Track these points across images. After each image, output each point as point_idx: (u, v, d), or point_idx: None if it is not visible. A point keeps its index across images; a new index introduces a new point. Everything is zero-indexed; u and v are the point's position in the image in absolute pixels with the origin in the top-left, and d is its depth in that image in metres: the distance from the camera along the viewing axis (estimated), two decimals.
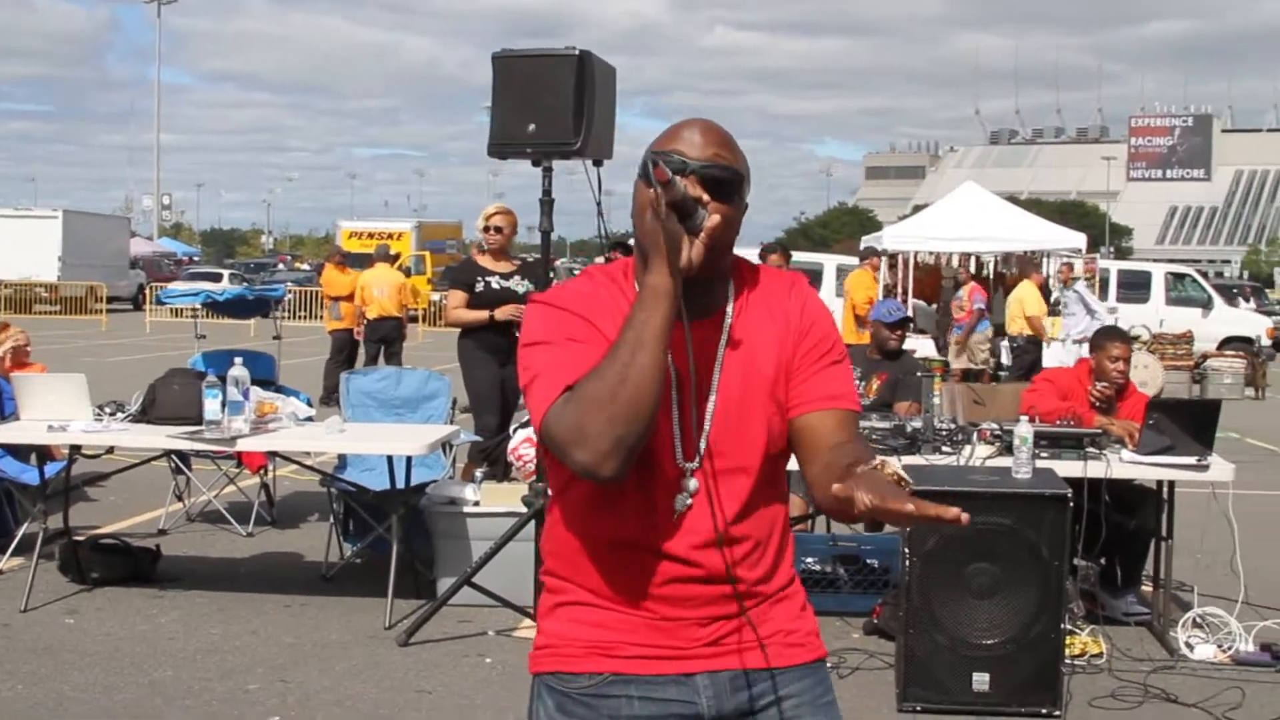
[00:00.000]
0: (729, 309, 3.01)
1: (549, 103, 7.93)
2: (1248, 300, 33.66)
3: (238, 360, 8.51)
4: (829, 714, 3.10)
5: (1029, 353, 22.52)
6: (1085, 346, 22.77)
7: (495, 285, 10.78)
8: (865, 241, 30.60)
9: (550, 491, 3.12)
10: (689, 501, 2.93)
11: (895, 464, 2.87)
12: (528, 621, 8.24)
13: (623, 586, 2.97)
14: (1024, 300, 22.61)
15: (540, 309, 2.98)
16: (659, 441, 2.90)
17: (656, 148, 2.90)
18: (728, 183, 2.90)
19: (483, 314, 10.73)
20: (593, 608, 3.00)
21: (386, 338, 20.52)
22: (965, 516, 2.48)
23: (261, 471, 11.24)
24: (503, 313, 10.68)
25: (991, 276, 29.49)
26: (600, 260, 13.94)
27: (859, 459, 2.76)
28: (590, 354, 2.80)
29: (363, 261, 22.89)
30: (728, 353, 2.98)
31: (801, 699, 3.07)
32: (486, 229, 10.89)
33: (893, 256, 27.10)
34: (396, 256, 26.48)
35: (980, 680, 6.94)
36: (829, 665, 3.30)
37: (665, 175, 2.74)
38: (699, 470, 2.95)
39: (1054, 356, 22.91)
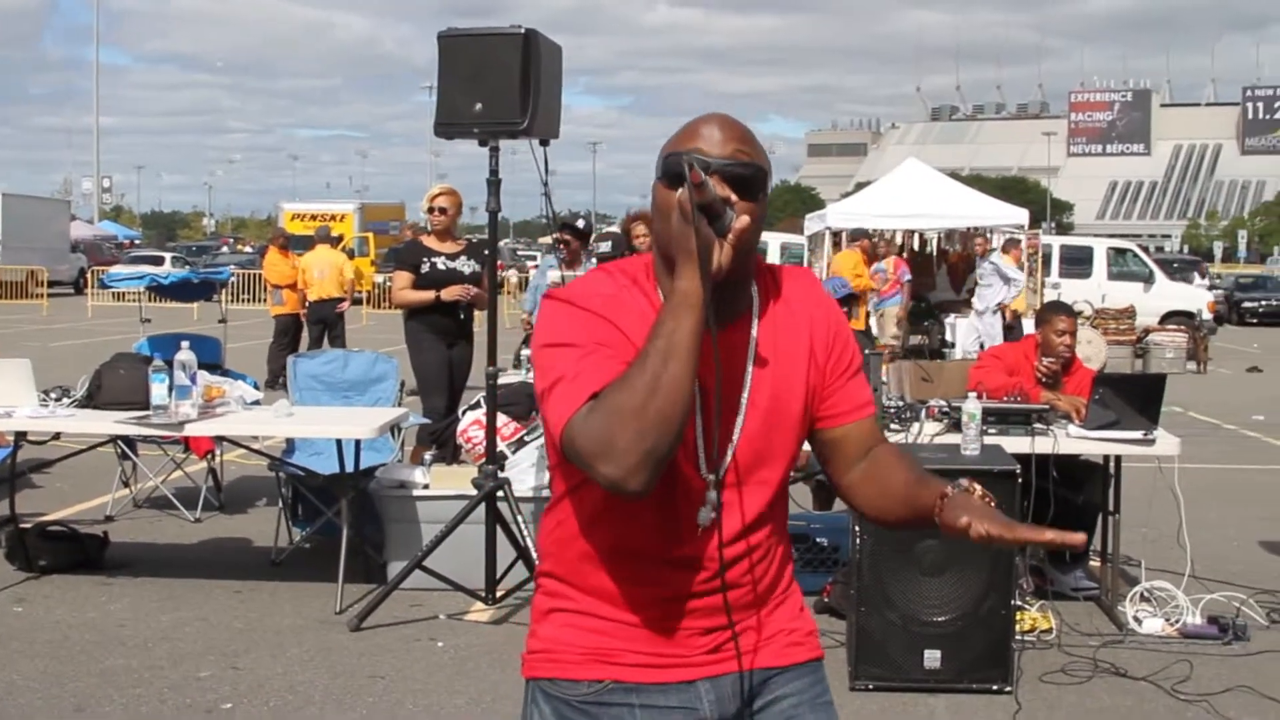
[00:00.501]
0: (754, 314, 2.94)
1: (495, 82, 7.89)
2: (1203, 277, 33.87)
3: (184, 344, 8.45)
4: (827, 713, 3.07)
5: (1015, 329, 22.70)
6: (1000, 315, 23.06)
7: (441, 266, 10.75)
8: (809, 220, 30.65)
9: (553, 490, 3.03)
10: (713, 515, 2.83)
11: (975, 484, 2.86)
12: (479, 605, 8.25)
13: (628, 595, 2.90)
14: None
15: (561, 307, 2.85)
16: (682, 451, 2.80)
17: (673, 148, 2.82)
18: (752, 179, 2.80)
19: (429, 294, 10.70)
20: (593, 617, 2.93)
21: (327, 319, 20.45)
22: (1082, 538, 2.70)
23: (209, 456, 11.16)
24: (449, 293, 10.66)
25: (935, 253, 29.57)
26: (547, 240, 13.91)
27: (916, 472, 2.98)
28: (616, 361, 2.70)
29: (306, 243, 22.77)
30: (758, 356, 2.91)
31: (800, 698, 3.05)
32: (431, 210, 10.86)
33: (836, 234, 27.13)
34: (339, 238, 26.36)
35: (931, 657, 6.97)
36: None
37: (700, 176, 2.64)
38: (724, 482, 2.88)
39: (969, 327, 23.17)
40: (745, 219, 2.71)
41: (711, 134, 2.81)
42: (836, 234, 27.07)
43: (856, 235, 24.34)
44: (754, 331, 2.91)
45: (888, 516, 3.05)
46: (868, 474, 3.02)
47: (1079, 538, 2.65)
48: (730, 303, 2.85)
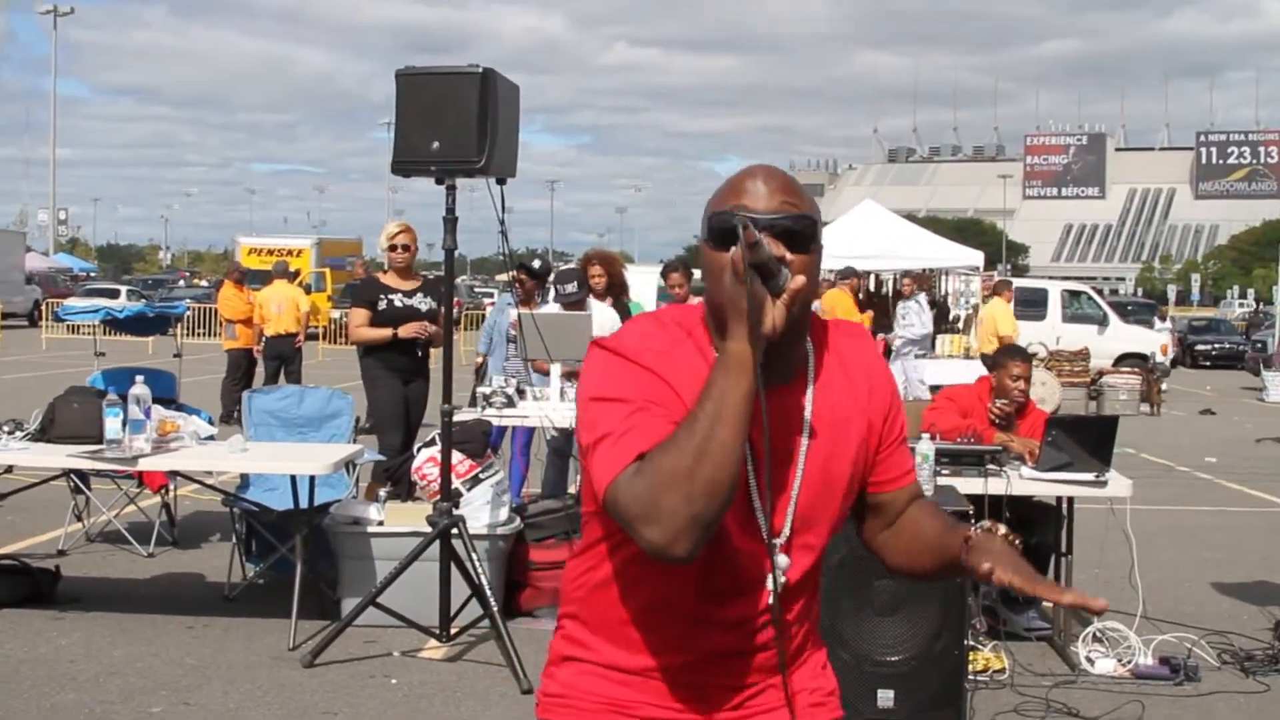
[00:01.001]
0: (810, 374, 2.86)
1: (452, 121, 7.91)
2: (1164, 320, 34.07)
3: (139, 378, 8.43)
4: None
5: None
6: (913, 353, 23.21)
7: (399, 303, 10.75)
8: None
9: (585, 535, 2.93)
10: (783, 579, 2.80)
11: (999, 525, 2.89)
12: (433, 642, 8.23)
13: (654, 651, 2.83)
14: (996, 318, 22.91)
15: (612, 359, 2.75)
16: (730, 514, 2.66)
17: (718, 205, 2.73)
18: (803, 232, 2.72)
19: (386, 332, 10.70)
20: (615, 669, 2.86)
21: (284, 355, 20.45)
22: (1105, 604, 2.70)
23: (163, 491, 11.12)
24: (406, 330, 10.66)
25: (891, 294, 29.70)
26: (503, 278, 13.92)
27: (943, 520, 2.98)
28: (666, 420, 2.61)
29: (263, 278, 22.73)
30: (813, 423, 2.82)
31: None
32: (393, 248, 10.84)
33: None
34: (296, 273, 26.32)
35: (885, 697, 6.97)
36: None
37: (754, 236, 2.52)
38: (787, 544, 2.81)
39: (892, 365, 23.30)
40: (801, 278, 2.61)
41: (756, 188, 2.73)
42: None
43: (846, 274, 24.35)
44: (810, 394, 2.83)
45: (915, 568, 3.00)
46: (900, 528, 3.01)
47: (1101, 604, 2.66)
48: (783, 362, 2.78)
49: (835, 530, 2.92)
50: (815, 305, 25.42)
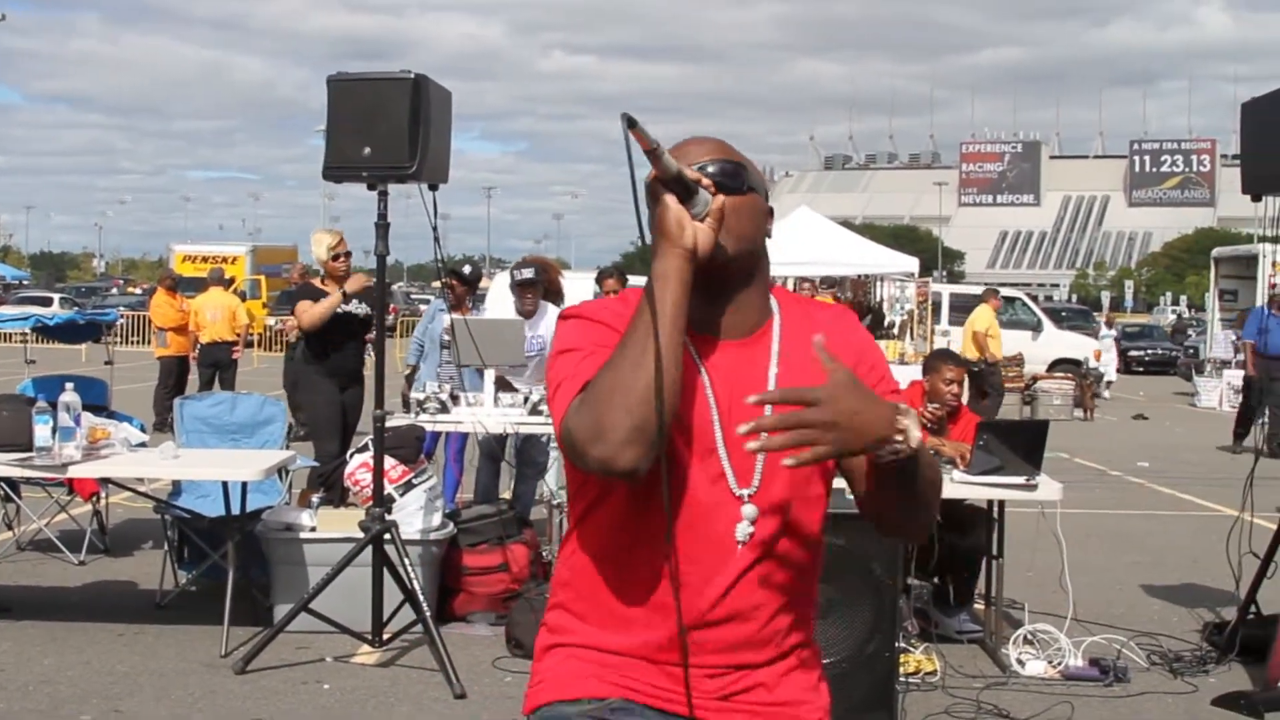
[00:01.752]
0: (775, 325, 2.87)
1: (384, 126, 7.91)
2: (1109, 327, 34.28)
3: (69, 386, 8.36)
4: None
5: (994, 374, 23.02)
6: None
7: (337, 310, 10.71)
8: None
9: (570, 518, 2.93)
10: (751, 530, 2.75)
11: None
12: (366, 647, 8.22)
13: (640, 624, 2.79)
14: (974, 321, 23.06)
15: (572, 322, 2.83)
16: (705, 466, 2.74)
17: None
18: (728, 176, 2.75)
19: (334, 297, 10.62)
20: (599, 650, 2.83)
21: (220, 362, 20.38)
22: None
23: (94, 498, 11.05)
24: (353, 284, 10.63)
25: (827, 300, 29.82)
26: (438, 285, 13.89)
27: None
28: None
29: (197, 285, 22.61)
30: (781, 373, 2.81)
31: None
32: (336, 257, 10.78)
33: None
34: (231, 281, 26.21)
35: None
36: None
37: (649, 144, 2.57)
38: (756, 498, 2.77)
39: None
40: (721, 198, 2.69)
41: (688, 150, 2.80)
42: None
43: (830, 282, 24.30)
44: (775, 351, 2.83)
45: (885, 509, 2.80)
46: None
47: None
48: (740, 312, 2.83)
49: (822, 484, 2.88)
50: (897, 317, 25.46)
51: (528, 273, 11.59)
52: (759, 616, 2.81)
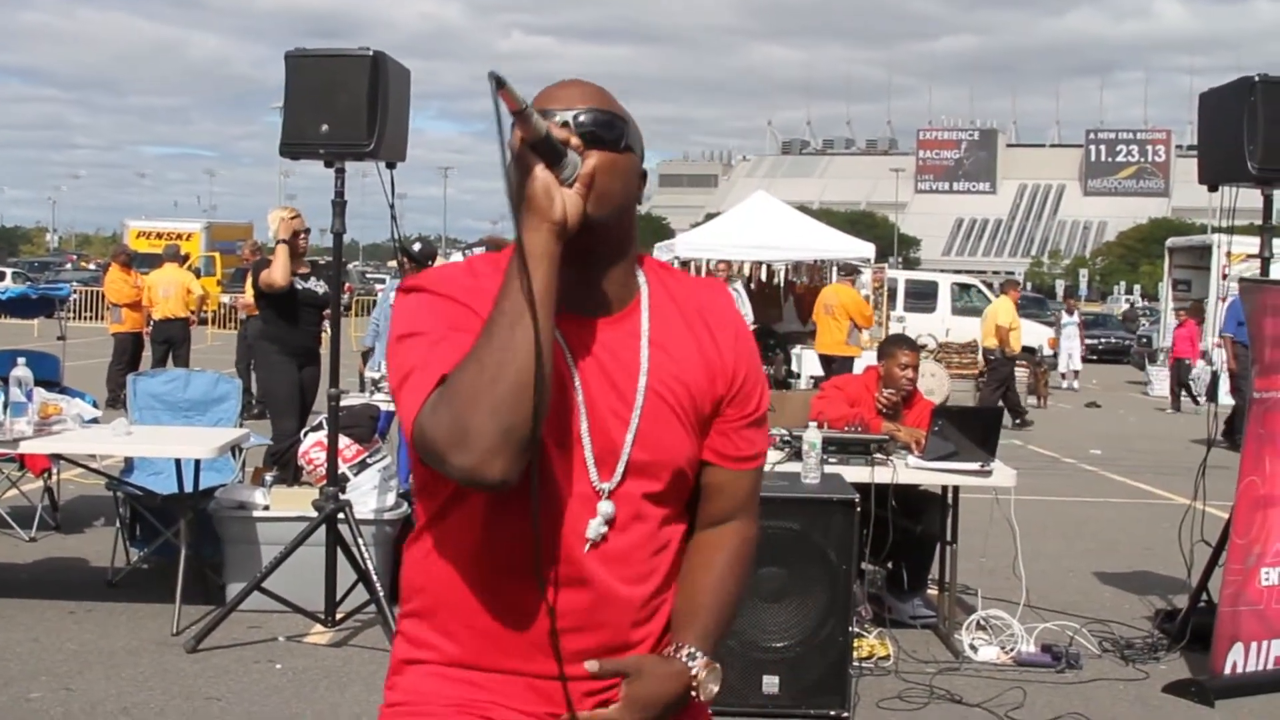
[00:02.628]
0: (644, 303, 2.65)
1: (342, 103, 7.86)
2: (1071, 314, 34.40)
3: (21, 361, 8.31)
4: None
5: (1004, 365, 23.04)
6: None
7: (296, 286, 10.65)
8: (658, 249, 30.78)
9: (417, 517, 2.71)
10: (604, 530, 2.55)
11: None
12: (319, 627, 8.19)
13: (504, 634, 2.58)
14: (997, 313, 23.02)
15: (412, 297, 2.56)
16: (566, 457, 2.53)
17: None
18: (604, 128, 2.51)
19: (281, 248, 10.47)
20: (461, 667, 2.62)
21: (172, 339, 20.27)
22: None
23: (45, 475, 10.97)
24: (284, 229, 10.52)
25: (782, 285, 29.82)
26: (392, 264, 13.83)
27: (702, 600, 2.68)
28: (470, 344, 2.36)
29: (151, 262, 22.48)
30: (652, 360, 2.60)
31: None
32: (296, 233, 10.65)
33: (685, 264, 27.27)
34: (186, 257, 26.06)
35: (770, 683, 7.01)
36: None
37: (516, 104, 2.29)
38: (616, 491, 2.57)
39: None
40: (592, 160, 2.43)
41: (561, 94, 2.55)
42: (685, 263, 27.18)
43: (848, 270, 24.24)
44: (645, 329, 2.62)
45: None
46: (699, 547, 2.74)
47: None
48: (607, 287, 2.60)
49: (687, 476, 2.67)
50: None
51: (479, 252, 11.53)
52: (636, 617, 2.63)
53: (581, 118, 2.49)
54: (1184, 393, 27.57)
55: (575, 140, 2.43)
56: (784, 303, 29.60)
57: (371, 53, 7.90)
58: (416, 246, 12.74)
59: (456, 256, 11.47)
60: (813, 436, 7.57)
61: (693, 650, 2.63)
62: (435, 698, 2.63)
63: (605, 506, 2.55)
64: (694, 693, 2.60)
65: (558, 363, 2.47)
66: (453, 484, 2.46)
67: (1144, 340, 41.84)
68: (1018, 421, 22.49)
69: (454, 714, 2.61)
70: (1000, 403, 21.61)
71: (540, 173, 2.37)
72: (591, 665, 2.53)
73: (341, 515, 8.11)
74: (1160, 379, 31.33)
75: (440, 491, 2.59)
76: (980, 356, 24.88)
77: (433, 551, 2.64)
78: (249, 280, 13.25)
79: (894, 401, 9.22)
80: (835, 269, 25.47)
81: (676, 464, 2.63)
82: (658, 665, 2.59)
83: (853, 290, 22.89)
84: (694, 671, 2.61)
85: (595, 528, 2.54)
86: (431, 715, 2.62)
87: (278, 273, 10.41)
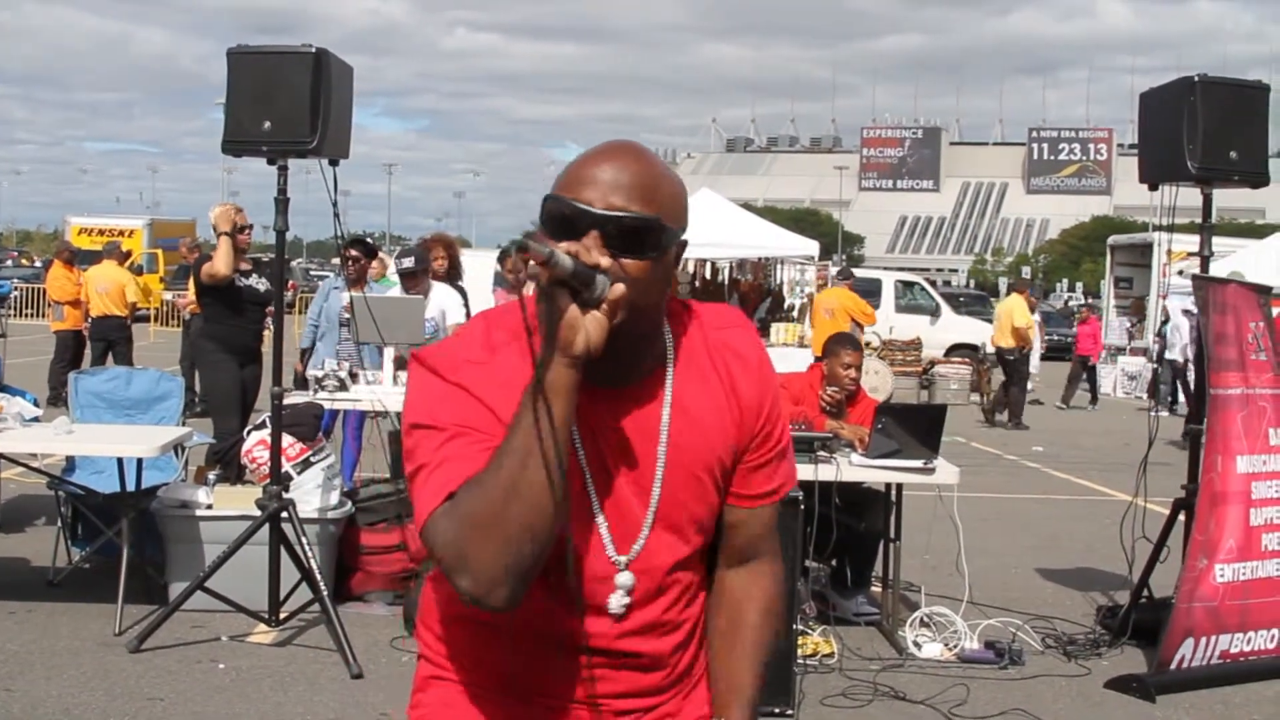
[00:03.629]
0: (669, 372, 2.58)
1: (285, 101, 7.83)
2: (1033, 311, 34.56)
3: None
4: None
5: (1023, 363, 23.24)
6: None
7: (239, 283, 10.62)
8: None
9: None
10: (626, 601, 2.57)
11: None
12: (262, 626, 8.16)
13: (522, 680, 2.62)
14: (1013, 312, 23.07)
15: (426, 377, 2.51)
16: (582, 538, 2.53)
17: (558, 190, 2.42)
18: (639, 238, 2.39)
19: (224, 240, 10.45)
20: (482, 697, 2.65)
21: (109, 337, 20.02)
22: None
23: None
24: (225, 221, 10.50)
25: (726, 282, 29.87)
26: (336, 261, 13.76)
27: (747, 663, 2.78)
28: (480, 447, 2.37)
29: (94, 258, 22.31)
30: (673, 426, 2.56)
31: None
32: (242, 229, 10.60)
33: None
34: (128, 254, 25.87)
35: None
36: None
37: (540, 257, 2.23)
38: (635, 562, 2.57)
39: None
40: (620, 287, 2.29)
41: (598, 176, 2.41)
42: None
43: (845, 274, 24.28)
44: (668, 395, 2.57)
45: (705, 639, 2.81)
46: (720, 610, 2.80)
47: None
48: (634, 359, 2.53)
49: (707, 535, 2.69)
50: (797, 300, 25.33)
51: (407, 263, 11.50)
52: (661, 664, 2.67)
53: (617, 222, 2.37)
54: (1086, 387, 27.95)
55: (605, 262, 2.32)
56: (728, 299, 29.62)
57: (314, 50, 7.88)
58: (370, 241, 12.67)
59: (408, 262, 11.41)
60: None
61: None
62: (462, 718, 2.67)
63: (624, 579, 2.57)
64: None
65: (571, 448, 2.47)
66: None
67: None
68: (1013, 423, 22.56)
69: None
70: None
71: (566, 304, 2.29)
72: None
73: (285, 514, 8.08)
74: (1103, 375, 31.51)
75: None
76: (994, 357, 24.97)
77: (448, 599, 2.67)
78: (191, 278, 13.16)
79: (837, 400, 9.24)
80: (832, 272, 25.55)
81: (698, 520, 2.64)
82: None
83: (850, 292, 23.04)
84: None
85: (617, 601, 2.57)
86: None
87: (220, 263, 10.36)
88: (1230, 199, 11.63)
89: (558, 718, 2.63)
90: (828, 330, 21.73)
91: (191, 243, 21.77)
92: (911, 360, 28.10)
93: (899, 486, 8.66)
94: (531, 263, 2.25)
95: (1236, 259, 20.19)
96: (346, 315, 11.37)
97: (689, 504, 2.60)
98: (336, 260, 13.53)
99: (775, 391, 2.72)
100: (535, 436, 2.27)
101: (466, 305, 11.59)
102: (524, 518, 2.26)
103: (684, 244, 2.54)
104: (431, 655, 2.74)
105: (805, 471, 8.09)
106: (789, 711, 7.05)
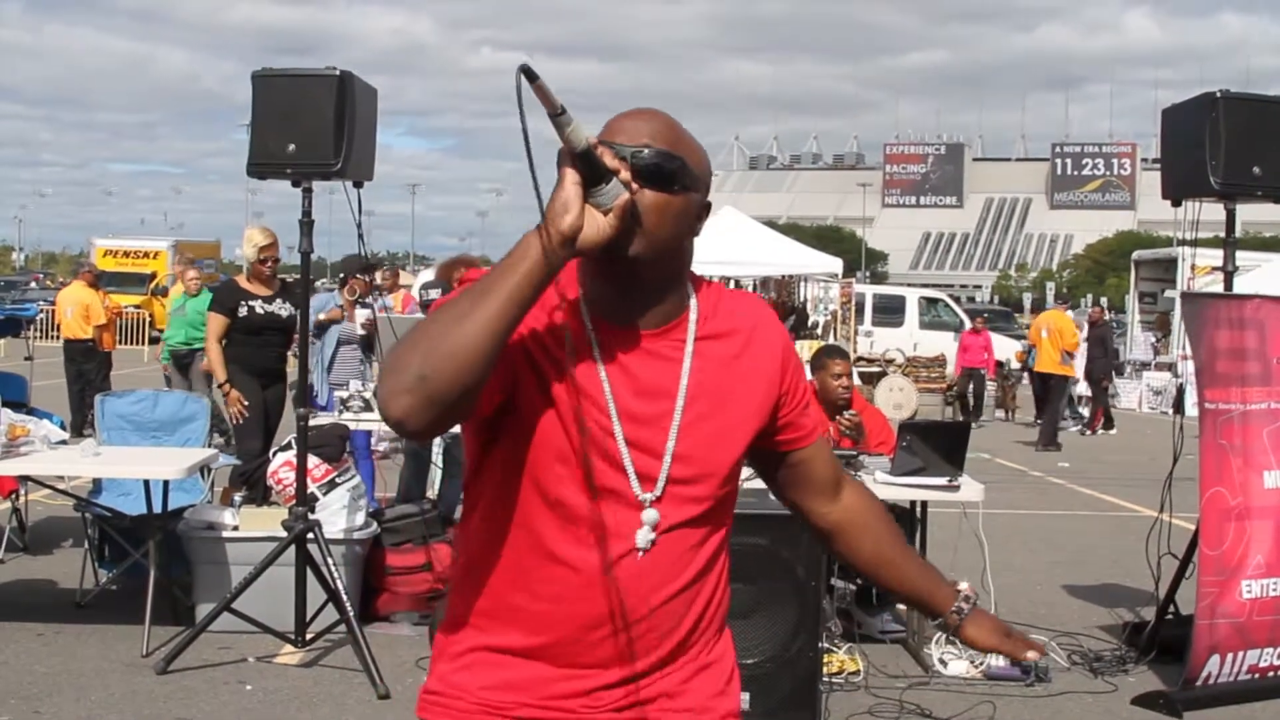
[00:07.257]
0: (692, 316, 2.69)
1: (309, 123, 7.88)
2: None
3: None
4: None
5: (1062, 385, 23.43)
6: None
7: (260, 310, 10.66)
8: None
9: (464, 507, 2.79)
10: (652, 537, 2.62)
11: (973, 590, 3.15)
12: (289, 647, 8.17)
13: (545, 616, 2.63)
14: (1063, 333, 23.14)
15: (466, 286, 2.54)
16: (607, 468, 2.59)
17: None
18: (661, 168, 2.53)
19: (220, 373, 10.75)
20: (495, 651, 2.68)
21: (77, 361, 19.51)
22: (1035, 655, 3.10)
23: (13, 496, 10.93)
24: (216, 366, 10.75)
25: None
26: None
27: (916, 562, 3.09)
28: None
29: (119, 280, 22.24)
30: (695, 364, 2.66)
31: None
32: (262, 260, 10.68)
33: None
34: (100, 274, 24.66)
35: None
36: None
37: (554, 106, 2.36)
38: (660, 500, 2.63)
39: None
40: (626, 195, 2.45)
41: (629, 125, 2.58)
42: None
43: (1064, 298, 24.46)
44: (689, 345, 2.66)
45: (877, 581, 3.11)
46: (860, 535, 2.99)
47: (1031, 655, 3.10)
48: (653, 304, 2.64)
49: (729, 482, 2.74)
50: (820, 317, 25.21)
51: (434, 294, 11.59)
52: (663, 622, 2.68)
53: (642, 154, 2.53)
54: (970, 403, 26.70)
55: (625, 174, 2.47)
56: None
57: (338, 73, 7.92)
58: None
59: (426, 275, 11.53)
60: None
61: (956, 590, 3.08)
62: (465, 693, 2.71)
63: (650, 515, 2.63)
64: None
65: (592, 377, 2.60)
66: (500, 471, 2.64)
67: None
68: (1045, 446, 22.36)
69: (480, 714, 2.69)
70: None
71: (569, 183, 2.41)
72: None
73: (311, 535, 8.09)
74: (1128, 391, 31.46)
75: (482, 487, 2.71)
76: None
77: (472, 540, 2.74)
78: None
79: (855, 423, 9.21)
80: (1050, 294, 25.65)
81: (719, 467, 2.71)
82: (978, 614, 3.06)
83: (1065, 315, 23.77)
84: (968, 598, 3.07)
85: (643, 538, 2.63)
86: (459, 712, 2.70)
87: (210, 345, 10.89)
88: (1254, 214, 11.59)
89: (560, 672, 2.67)
90: (1047, 350, 22.07)
91: (183, 265, 21.02)
92: (935, 377, 28.07)
93: (924, 504, 8.66)
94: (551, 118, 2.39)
95: (1261, 274, 20.14)
96: (362, 333, 11.54)
97: (707, 446, 2.67)
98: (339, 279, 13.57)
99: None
100: (497, 283, 2.39)
101: None
102: (455, 342, 2.35)
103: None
104: (453, 616, 2.78)
105: None
106: None
